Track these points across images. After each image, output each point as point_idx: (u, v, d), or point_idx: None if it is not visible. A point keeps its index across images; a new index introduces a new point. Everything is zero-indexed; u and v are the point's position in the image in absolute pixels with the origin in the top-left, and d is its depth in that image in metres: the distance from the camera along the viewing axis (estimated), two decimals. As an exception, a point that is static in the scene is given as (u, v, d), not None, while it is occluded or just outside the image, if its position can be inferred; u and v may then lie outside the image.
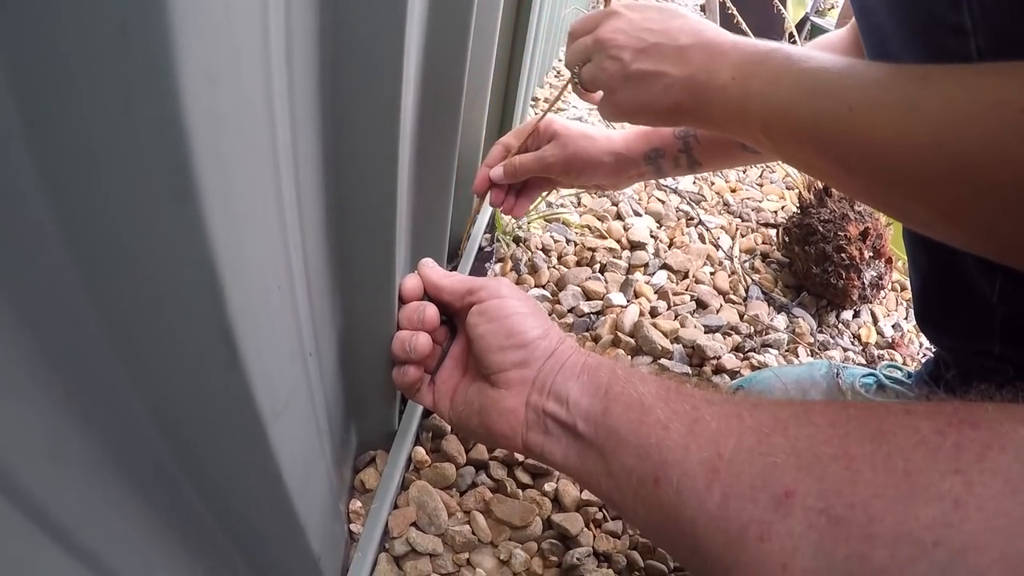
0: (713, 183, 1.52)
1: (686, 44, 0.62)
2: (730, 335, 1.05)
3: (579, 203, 1.32)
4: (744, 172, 1.62)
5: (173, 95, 0.23)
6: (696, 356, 0.99)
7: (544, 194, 1.09)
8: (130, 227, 0.26)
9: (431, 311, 0.59)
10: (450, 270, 0.64)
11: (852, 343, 1.14)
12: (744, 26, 1.41)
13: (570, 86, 0.75)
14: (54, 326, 0.27)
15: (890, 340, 1.16)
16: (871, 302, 1.16)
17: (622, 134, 0.89)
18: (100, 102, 0.23)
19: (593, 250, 1.17)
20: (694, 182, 1.49)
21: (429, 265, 0.62)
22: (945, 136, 0.42)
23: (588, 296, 1.07)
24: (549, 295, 1.06)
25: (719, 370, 0.98)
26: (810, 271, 1.14)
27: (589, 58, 0.70)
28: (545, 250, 1.16)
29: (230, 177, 0.28)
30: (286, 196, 0.36)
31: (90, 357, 0.29)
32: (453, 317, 0.63)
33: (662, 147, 0.88)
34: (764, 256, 1.28)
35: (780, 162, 1.62)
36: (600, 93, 0.73)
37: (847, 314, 1.18)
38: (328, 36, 0.41)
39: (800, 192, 1.22)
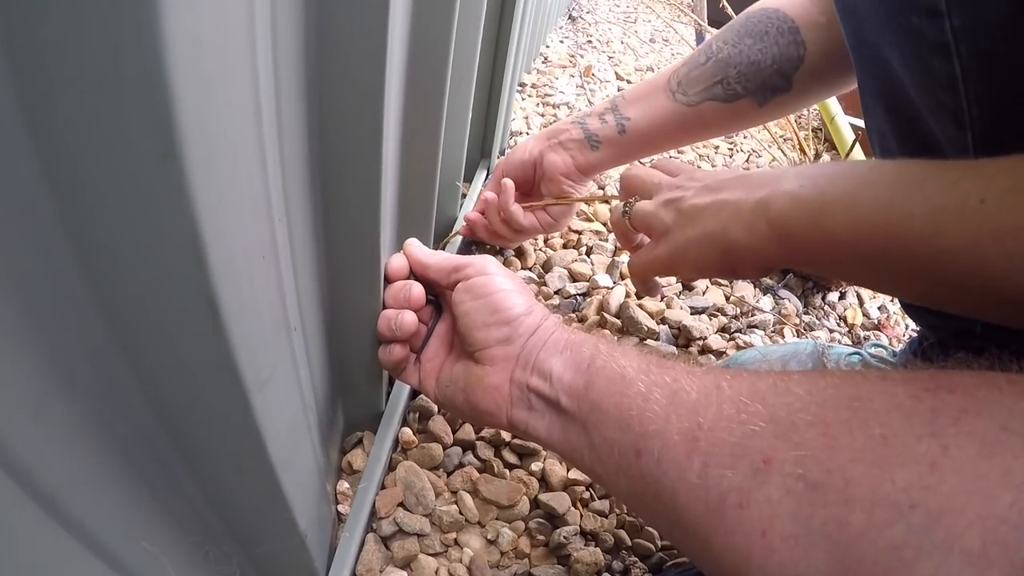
0: (699, 168, 1.52)
1: (751, 172, 0.59)
2: (716, 316, 1.06)
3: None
4: (731, 157, 1.63)
5: (159, 56, 0.23)
6: (682, 337, 1.00)
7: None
8: (115, 186, 0.27)
9: (417, 289, 0.59)
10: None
11: (838, 324, 1.14)
12: (729, 10, 1.41)
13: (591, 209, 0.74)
14: (38, 288, 0.27)
15: (876, 322, 1.17)
16: (857, 284, 1.17)
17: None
18: (88, 61, 0.23)
19: (579, 233, 1.17)
20: (681, 166, 1.49)
21: (415, 244, 0.62)
22: None
23: (574, 278, 1.08)
24: (536, 277, 1.06)
25: (705, 351, 0.98)
26: (796, 253, 1.14)
27: (649, 194, 0.66)
28: (532, 233, 1.16)
29: (213, 139, 0.28)
30: (270, 167, 0.37)
31: (74, 320, 0.29)
32: (439, 296, 0.63)
33: (591, 109, 0.92)
34: (750, 239, 1.28)
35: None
36: (640, 238, 0.72)
37: (833, 296, 1.18)
38: (313, 10, 0.41)
39: (786, 175, 1.22)
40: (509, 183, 0.90)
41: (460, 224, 0.99)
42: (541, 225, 0.94)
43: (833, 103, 1.44)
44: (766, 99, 0.84)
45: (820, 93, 0.86)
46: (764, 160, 1.62)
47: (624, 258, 1.13)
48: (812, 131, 1.51)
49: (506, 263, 1.08)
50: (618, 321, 0.99)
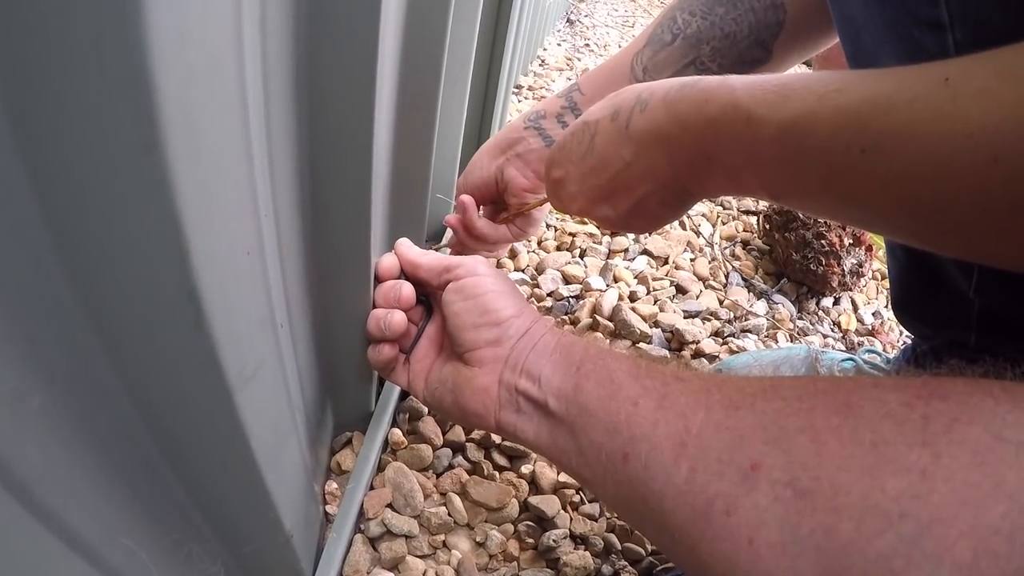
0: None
1: (631, 156, 0.54)
2: (709, 320, 1.05)
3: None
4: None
5: (142, 48, 0.23)
6: (675, 340, 0.99)
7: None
8: (97, 176, 0.26)
9: (407, 289, 0.59)
10: None
11: (832, 330, 1.14)
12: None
13: None
14: (16, 279, 0.26)
15: (870, 327, 1.17)
16: (851, 289, 1.17)
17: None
18: (70, 50, 0.23)
19: (573, 235, 1.17)
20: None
21: (406, 244, 0.62)
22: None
23: (567, 280, 1.07)
24: (528, 279, 1.06)
25: (698, 354, 0.98)
26: (790, 258, 1.14)
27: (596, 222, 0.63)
28: (525, 235, 1.16)
29: (197, 131, 0.28)
30: (257, 161, 0.36)
31: (53, 312, 0.29)
32: (429, 297, 0.62)
33: (543, 109, 0.82)
34: (745, 243, 1.28)
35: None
36: None
37: (827, 301, 1.18)
38: (303, 5, 0.41)
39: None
40: (468, 200, 0.80)
41: (448, 236, 0.96)
42: (511, 235, 0.86)
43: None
44: (745, 74, 0.78)
45: (799, 56, 0.77)
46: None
47: (618, 261, 1.13)
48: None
49: (498, 264, 1.08)
50: (611, 324, 0.98)
